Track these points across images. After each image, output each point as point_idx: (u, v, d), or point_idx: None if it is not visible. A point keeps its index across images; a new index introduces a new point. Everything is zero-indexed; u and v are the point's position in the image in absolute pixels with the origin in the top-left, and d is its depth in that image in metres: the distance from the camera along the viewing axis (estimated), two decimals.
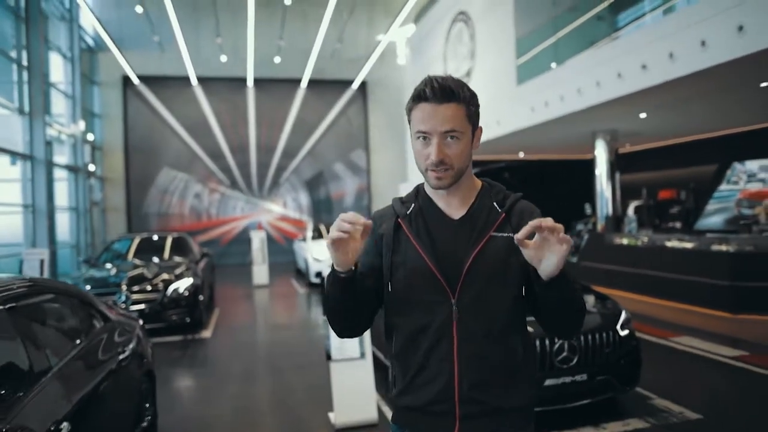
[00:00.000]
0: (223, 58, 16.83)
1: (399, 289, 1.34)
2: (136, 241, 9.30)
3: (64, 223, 13.18)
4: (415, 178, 16.63)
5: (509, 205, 1.37)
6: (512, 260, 1.30)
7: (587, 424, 3.75)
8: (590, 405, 3.87)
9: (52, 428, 1.75)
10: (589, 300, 4.40)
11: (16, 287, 2.17)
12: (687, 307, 7.61)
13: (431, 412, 1.32)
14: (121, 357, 2.86)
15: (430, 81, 1.29)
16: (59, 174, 12.79)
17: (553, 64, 9.91)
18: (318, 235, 12.72)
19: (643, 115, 9.71)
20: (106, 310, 3.20)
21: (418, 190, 1.46)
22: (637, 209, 13.18)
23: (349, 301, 1.30)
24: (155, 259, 8.51)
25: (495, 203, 1.38)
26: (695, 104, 8.85)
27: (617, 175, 11.53)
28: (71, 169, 13.44)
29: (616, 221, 11.28)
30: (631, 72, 7.61)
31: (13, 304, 2.07)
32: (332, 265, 1.25)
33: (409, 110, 1.34)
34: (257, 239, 12.22)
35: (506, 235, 1.32)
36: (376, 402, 3.95)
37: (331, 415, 3.99)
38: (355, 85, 18.39)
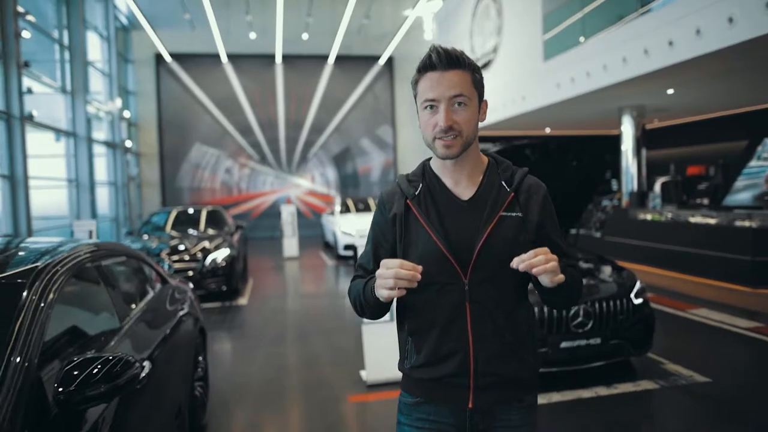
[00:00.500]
0: (252, 36, 17.08)
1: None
2: (174, 213, 9.78)
3: (103, 198, 13.81)
4: None
5: (517, 184, 1.40)
6: (522, 239, 1.34)
7: (600, 384, 4.04)
8: (604, 367, 4.16)
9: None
10: (606, 270, 4.63)
11: (99, 249, 2.53)
12: (707, 281, 7.75)
13: (448, 384, 1.38)
14: (181, 313, 3.24)
15: (434, 49, 1.33)
16: (98, 150, 13.36)
17: (582, 39, 9.92)
18: (346, 209, 13.08)
19: (670, 91, 9.69)
20: (164, 273, 3.59)
21: (425, 167, 1.47)
22: (664, 185, 13.15)
23: (382, 310, 1.41)
24: (193, 231, 8.98)
25: (503, 182, 1.40)
26: (724, 80, 8.82)
27: (643, 151, 11.54)
28: (109, 145, 14.00)
29: (641, 197, 11.34)
30: (658, 48, 7.64)
31: (100, 263, 2.44)
32: (373, 288, 1.31)
33: (415, 82, 1.38)
34: (287, 213, 12.64)
35: (515, 214, 1.36)
36: None
37: (363, 373, 4.36)
38: (382, 61, 18.51)
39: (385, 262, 1.23)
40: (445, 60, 1.31)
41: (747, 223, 7.67)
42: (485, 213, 1.35)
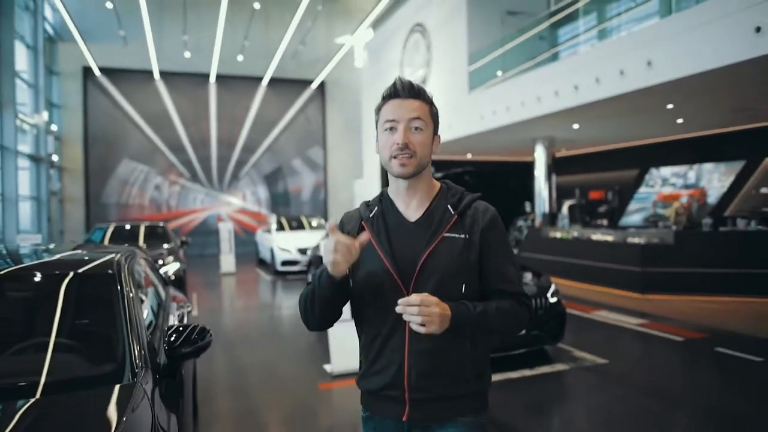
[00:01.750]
0: (187, 54, 17.28)
1: (360, 285, 1.45)
2: (115, 228, 9.91)
3: (24, 213, 13.40)
4: (370, 174, 17.71)
5: (463, 207, 1.47)
6: (465, 259, 1.41)
7: (524, 367, 4.96)
8: (526, 353, 5.10)
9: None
10: (527, 276, 5.62)
11: (130, 254, 3.07)
12: (607, 289, 9.07)
13: (384, 397, 1.45)
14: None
15: (399, 80, 1.44)
16: (21, 163, 13.01)
17: (500, 74, 11.22)
18: (281, 227, 13.60)
19: (576, 126, 11.17)
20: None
21: (382, 194, 1.55)
22: (570, 208, 14.78)
23: (335, 300, 1.40)
24: (142, 246, 9.19)
25: (449, 205, 1.48)
26: (619, 119, 10.36)
27: (553, 177, 13.02)
28: (34, 158, 13.65)
29: (552, 218, 12.77)
30: (566, 91, 8.97)
31: (135, 263, 2.99)
32: (325, 269, 1.34)
33: (379, 109, 1.47)
34: (225, 230, 12.95)
35: (459, 236, 1.43)
36: None
37: (327, 366, 5.01)
38: (315, 85, 19.26)
39: (332, 233, 1.31)
40: (408, 89, 1.42)
41: (637, 240, 9.10)
42: (429, 233, 1.43)
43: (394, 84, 1.44)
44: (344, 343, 4.93)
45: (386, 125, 1.42)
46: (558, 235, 11.14)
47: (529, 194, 14.61)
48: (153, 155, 17.84)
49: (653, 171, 14.15)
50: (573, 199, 15.15)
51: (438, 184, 1.54)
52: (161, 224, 10.40)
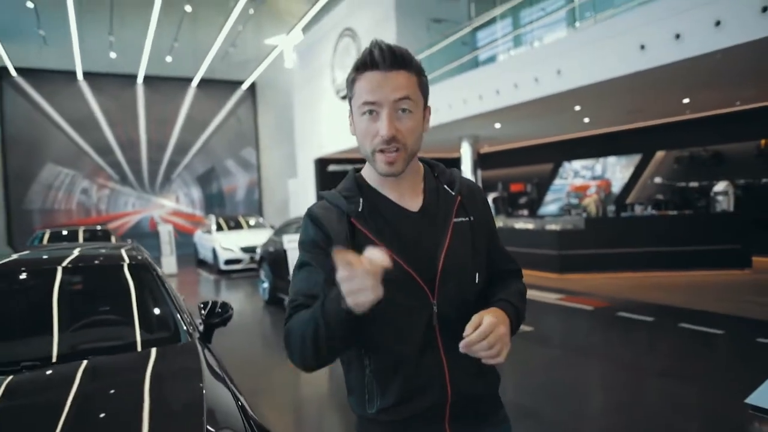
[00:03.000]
0: (113, 55, 16.96)
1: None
2: (65, 232, 9.89)
3: None
4: (304, 173, 18.18)
5: (459, 186, 1.27)
6: (477, 245, 1.24)
7: None
8: None
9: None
10: None
11: (137, 246, 3.55)
12: (529, 271, 10.19)
13: (423, 418, 1.20)
14: None
15: (377, 45, 1.13)
16: None
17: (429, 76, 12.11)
18: (219, 227, 13.83)
19: (498, 125, 12.27)
20: None
21: (357, 181, 1.25)
22: (494, 200, 16.03)
23: (351, 337, 1.08)
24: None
25: (445, 186, 1.26)
26: (535, 119, 11.54)
27: (479, 172, 14.13)
28: None
29: None
30: (489, 95, 9.96)
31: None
32: (337, 304, 0.99)
33: (351, 82, 1.17)
34: (165, 232, 13.03)
35: (465, 219, 1.24)
36: None
37: None
38: (245, 86, 19.43)
39: (346, 261, 0.91)
40: (389, 58, 1.12)
41: (554, 227, 10.28)
42: (439, 221, 1.21)
43: (371, 51, 1.13)
44: None
45: (365, 108, 1.13)
46: None
47: None
48: (79, 158, 17.37)
49: (566, 164, 15.65)
50: (496, 192, 16.43)
51: (420, 163, 1.29)
52: (99, 227, 10.44)
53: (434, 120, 11.52)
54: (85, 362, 2.05)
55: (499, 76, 9.79)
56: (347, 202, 1.19)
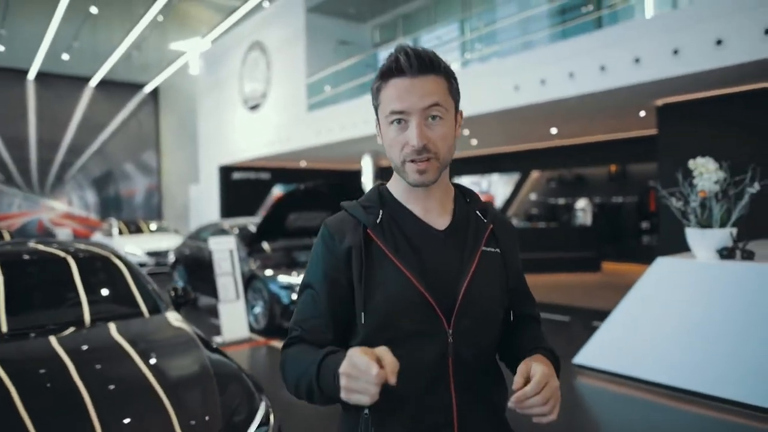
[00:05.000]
0: (0, 48, 16.12)
1: (377, 320, 1.04)
2: None
3: None
4: (206, 178, 18.32)
5: (492, 215, 1.17)
6: (503, 280, 1.13)
7: None
8: None
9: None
10: None
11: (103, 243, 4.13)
12: None
13: None
14: None
15: (402, 49, 1.05)
16: None
17: (329, 90, 13.09)
18: (119, 231, 13.74)
19: None
20: None
21: (381, 192, 1.17)
22: None
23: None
24: None
25: (477, 212, 1.17)
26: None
27: (370, 182, 15.30)
28: None
29: None
30: None
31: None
32: (336, 383, 0.90)
33: (377, 90, 1.09)
34: (64, 235, 12.77)
35: (494, 250, 1.13)
36: (247, 326, 6.34)
37: (217, 338, 6.24)
38: (148, 89, 19.19)
39: (354, 361, 0.85)
40: (416, 63, 1.03)
41: None
42: (467, 247, 1.10)
43: (396, 56, 1.05)
44: (231, 317, 6.22)
45: (392, 117, 1.06)
46: None
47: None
48: None
49: (455, 179, 17.29)
50: None
51: (451, 185, 1.21)
52: None
53: (339, 135, 12.50)
54: (109, 324, 2.76)
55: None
56: (365, 211, 1.11)
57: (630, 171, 13.05)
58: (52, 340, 2.52)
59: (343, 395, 0.88)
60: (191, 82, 19.94)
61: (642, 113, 9.05)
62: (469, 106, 9.29)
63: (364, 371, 0.84)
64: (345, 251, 1.08)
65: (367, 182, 14.97)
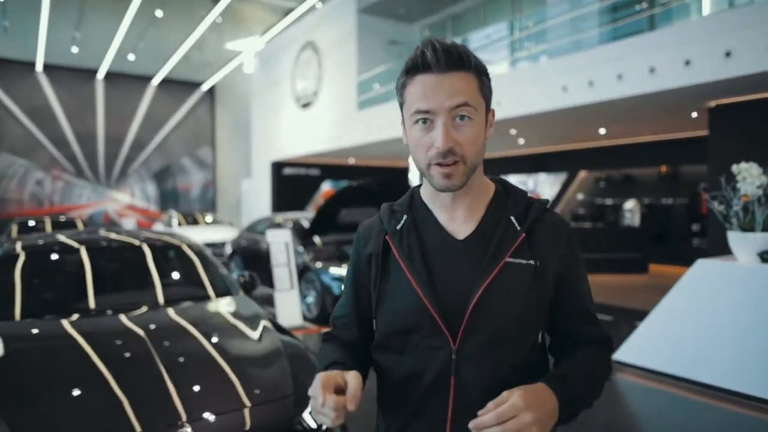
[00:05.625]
0: (75, 50, 17.25)
1: (386, 327, 1.06)
2: (32, 223, 10.43)
3: None
4: (259, 174, 19.03)
5: (531, 221, 1.04)
6: (533, 295, 1.01)
7: None
8: None
9: None
10: None
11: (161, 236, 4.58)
12: None
13: None
14: None
15: (430, 44, 0.98)
16: None
17: (376, 86, 13.44)
18: (177, 223, 14.58)
19: None
20: None
21: (413, 195, 1.13)
22: None
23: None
24: None
25: (512, 217, 1.05)
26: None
27: (414, 180, 15.58)
28: None
29: None
30: None
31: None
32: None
33: (402, 87, 1.03)
34: (129, 225, 13.66)
35: (526, 262, 1.01)
36: (301, 315, 6.76)
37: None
38: (205, 88, 20.09)
39: (314, 386, 0.93)
40: (444, 59, 0.96)
41: None
42: (487, 257, 1.00)
43: (423, 51, 0.98)
44: (288, 305, 6.64)
45: (417, 116, 0.99)
46: None
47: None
48: (34, 149, 17.51)
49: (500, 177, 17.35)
50: None
51: (491, 184, 1.11)
52: (63, 218, 10.99)
53: (390, 134, 12.82)
54: (185, 304, 3.17)
55: None
56: (390, 217, 1.10)
57: (681, 172, 12.82)
58: (132, 317, 2.89)
59: (312, 415, 0.87)
60: (246, 81, 20.72)
61: (694, 114, 8.97)
62: (518, 105, 9.44)
63: (315, 398, 0.91)
64: (367, 256, 1.11)
65: (414, 179, 15.27)
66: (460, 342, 0.99)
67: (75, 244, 3.42)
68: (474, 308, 0.98)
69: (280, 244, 6.70)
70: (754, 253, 4.23)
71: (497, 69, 10.81)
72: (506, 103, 9.72)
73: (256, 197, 19.00)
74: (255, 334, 2.85)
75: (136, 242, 3.63)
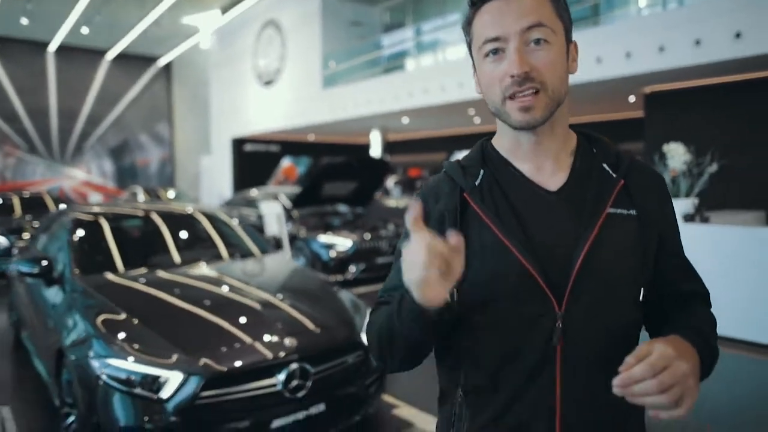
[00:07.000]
0: (24, 21, 16.73)
1: (472, 297, 0.89)
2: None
3: None
4: (218, 150, 19.21)
5: (626, 167, 0.95)
6: (639, 248, 0.91)
7: None
8: None
9: None
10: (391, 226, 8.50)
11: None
12: None
13: None
14: None
15: None
16: None
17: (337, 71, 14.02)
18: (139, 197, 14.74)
19: (405, 120, 14.50)
20: None
21: (484, 148, 1.00)
22: (396, 183, 18.36)
23: (428, 343, 0.88)
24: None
25: (605, 164, 0.95)
26: (437, 117, 13.92)
27: (388, 157, 16.33)
28: None
29: (385, 191, 16.10)
30: (402, 97, 12.11)
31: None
32: (409, 297, 0.79)
33: (468, 23, 0.92)
34: (95, 200, 13.74)
35: (628, 212, 0.91)
36: None
37: None
38: (162, 63, 19.90)
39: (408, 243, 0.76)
40: None
41: None
42: (586, 210, 0.90)
43: None
44: None
45: (486, 48, 0.87)
46: (392, 203, 14.45)
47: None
48: None
49: (457, 154, 18.35)
50: (396, 176, 18.76)
51: (573, 133, 0.99)
52: (27, 193, 10.92)
53: (354, 113, 13.46)
54: (241, 258, 3.87)
55: (412, 82, 11.97)
56: (464, 173, 0.95)
57: (620, 149, 14.13)
58: (210, 267, 3.61)
59: (405, 280, 0.77)
60: (204, 57, 20.63)
61: (632, 98, 10.13)
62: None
63: (409, 251, 0.76)
64: (438, 217, 0.94)
65: (375, 155, 16.00)
66: (566, 305, 0.86)
67: (141, 214, 4.05)
68: (581, 266, 0.86)
69: (272, 215, 7.34)
70: (680, 215, 5.28)
71: (458, 53, 11.62)
72: (468, 85, 10.59)
73: (217, 173, 19.19)
74: (305, 276, 3.61)
75: (188, 212, 4.27)
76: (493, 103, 0.91)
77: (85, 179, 18.99)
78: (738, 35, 6.63)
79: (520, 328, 0.88)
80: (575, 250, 0.87)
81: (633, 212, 0.92)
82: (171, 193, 15.67)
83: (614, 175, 0.93)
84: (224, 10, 17.27)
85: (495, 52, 0.87)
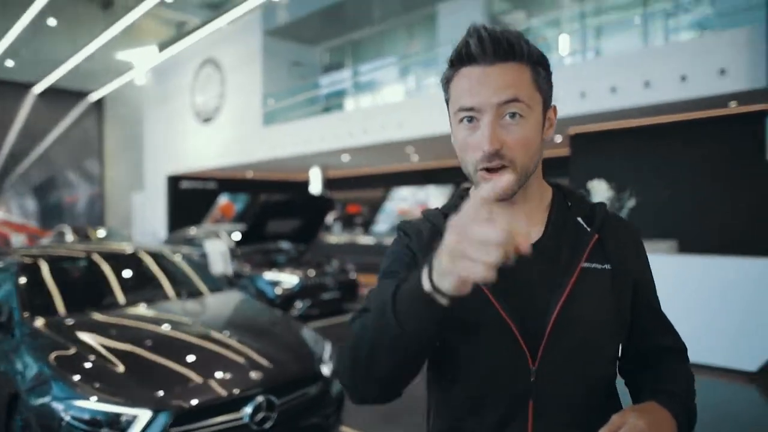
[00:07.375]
0: None
1: (452, 344, 0.89)
2: None
3: None
4: (152, 186, 18.73)
5: (600, 221, 0.95)
6: (611, 304, 0.91)
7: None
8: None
9: None
10: (335, 263, 8.61)
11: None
12: (370, 276, 12.75)
13: None
14: None
15: (476, 32, 0.86)
16: None
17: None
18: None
19: (346, 158, 14.79)
20: None
21: (463, 199, 0.98)
22: (336, 219, 18.52)
23: (427, 347, 0.80)
24: None
25: (579, 219, 0.95)
26: (377, 154, 14.29)
27: (327, 193, 16.50)
28: None
29: (326, 227, 16.21)
30: (342, 136, 12.41)
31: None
32: (425, 283, 0.71)
33: (447, 82, 0.92)
34: (18, 242, 12.99)
35: (602, 267, 0.91)
36: None
37: None
38: (93, 98, 19.33)
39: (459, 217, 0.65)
40: (491, 48, 0.85)
41: (388, 242, 13.08)
42: (561, 264, 0.90)
43: (467, 41, 0.86)
44: None
45: (461, 114, 0.88)
46: (333, 240, 14.58)
47: None
48: None
49: (395, 190, 18.84)
50: (334, 212, 18.95)
51: (549, 188, 1.00)
52: None
53: (293, 151, 13.61)
54: (188, 298, 3.89)
55: (353, 122, 12.33)
56: (444, 221, 0.93)
57: None
58: (154, 307, 3.62)
59: (446, 264, 0.65)
60: (138, 92, 20.24)
61: (558, 139, 10.91)
62: (417, 128, 10.77)
63: (466, 220, 0.63)
64: (419, 249, 0.95)
65: (316, 191, 16.14)
66: (541, 358, 0.85)
67: (83, 255, 3.99)
68: (555, 321, 0.85)
69: (216, 253, 7.29)
70: None
71: (397, 94, 12.13)
72: (406, 126, 11.05)
73: (150, 211, 18.62)
74: (259, 312, 3.68)
75: (130, 251, 4.24)
76: (466, 168, 0.91)
77: (3, 219, 17.88)
78: (647, 84, 7.41)
79: (492, 377, 0.88)
80: (549, 304, 0.87)
81: (607, 266, 0.92)
82: (101, 232, 15.04)
83: (588, 230, 0.94)
84: (162, 47, 17.15)
85: (470, 119, 0.87)
